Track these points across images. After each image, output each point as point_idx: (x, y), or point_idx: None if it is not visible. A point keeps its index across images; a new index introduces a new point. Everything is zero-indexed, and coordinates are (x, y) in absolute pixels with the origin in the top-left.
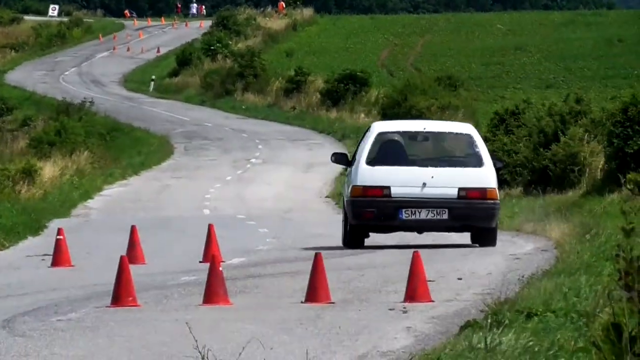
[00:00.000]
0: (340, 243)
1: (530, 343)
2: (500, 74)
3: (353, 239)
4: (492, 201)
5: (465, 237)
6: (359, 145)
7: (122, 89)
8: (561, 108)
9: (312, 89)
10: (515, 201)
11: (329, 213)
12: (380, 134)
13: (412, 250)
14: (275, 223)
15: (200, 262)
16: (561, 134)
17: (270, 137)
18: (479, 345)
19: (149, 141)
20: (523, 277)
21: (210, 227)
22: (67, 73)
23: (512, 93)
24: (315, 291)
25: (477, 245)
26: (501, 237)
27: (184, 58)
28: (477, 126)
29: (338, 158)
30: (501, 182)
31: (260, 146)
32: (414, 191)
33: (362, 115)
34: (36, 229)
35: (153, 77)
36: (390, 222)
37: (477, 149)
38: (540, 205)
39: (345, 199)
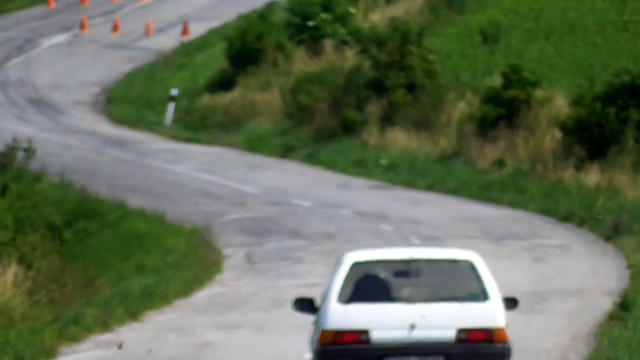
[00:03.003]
0: None
1: None
2: None
3: None
4: (501, 345)
5: None
6: (330, 282)
7: (100, 118)
8: None
9: (544, 118)
10: None
11: None
12: (355, 266)
13: None
14: None
15: None
16: None
17: (447, 231)
18: None
19: (163, 242)
20: None
21: None
22: None
23: None
24: None
25: None
26: None
27: (244, 48)
28: None
29: (301, 305)
30: None
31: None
32: (400, 335)
33: None
34: None
35: (173, 91)
36: None
37: (480, 280)
38: None
39: (312, 351)
